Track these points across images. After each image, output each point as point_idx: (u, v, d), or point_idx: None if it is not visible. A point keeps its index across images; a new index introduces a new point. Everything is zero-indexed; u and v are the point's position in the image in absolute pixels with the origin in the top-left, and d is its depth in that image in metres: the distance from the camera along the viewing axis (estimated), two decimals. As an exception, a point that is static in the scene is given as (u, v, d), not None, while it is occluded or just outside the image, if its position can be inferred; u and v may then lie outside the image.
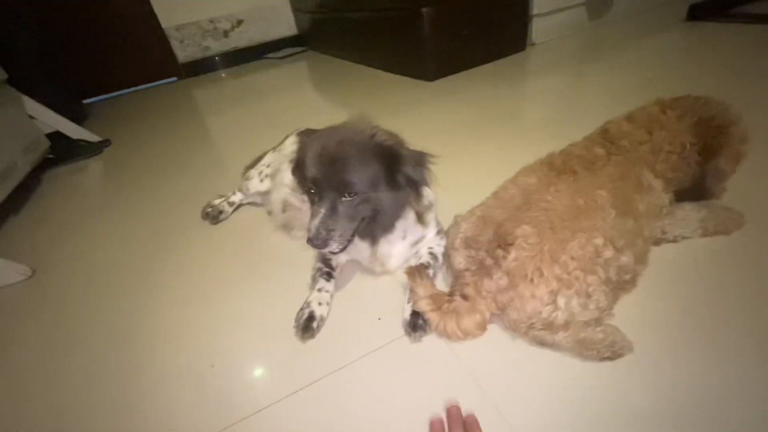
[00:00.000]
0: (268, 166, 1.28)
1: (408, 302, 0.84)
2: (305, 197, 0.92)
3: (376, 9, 2.47)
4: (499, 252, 0.74)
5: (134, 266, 1.21)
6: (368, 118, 0.82)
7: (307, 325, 0.84)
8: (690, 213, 0.88)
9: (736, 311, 0.74)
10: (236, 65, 3.79)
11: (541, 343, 0.72)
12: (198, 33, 3.61)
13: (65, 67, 2.74)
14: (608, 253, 0.70)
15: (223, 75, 3.62)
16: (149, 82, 3.66)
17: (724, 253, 0.86)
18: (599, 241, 0.70)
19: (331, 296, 0.92)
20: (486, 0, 2.23)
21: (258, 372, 0.83)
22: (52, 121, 2.18)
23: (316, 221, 0.76)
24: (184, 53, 3.63)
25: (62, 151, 2.20)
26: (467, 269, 0.80)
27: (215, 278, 1.09)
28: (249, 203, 1.38)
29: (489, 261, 0.76)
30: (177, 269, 1.16)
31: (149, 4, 3.32)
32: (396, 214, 0.86)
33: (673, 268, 0.84)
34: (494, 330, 0.79)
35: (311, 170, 0.77)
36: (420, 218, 0.92)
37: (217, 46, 3.73)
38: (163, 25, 3.44)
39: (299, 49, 3.87)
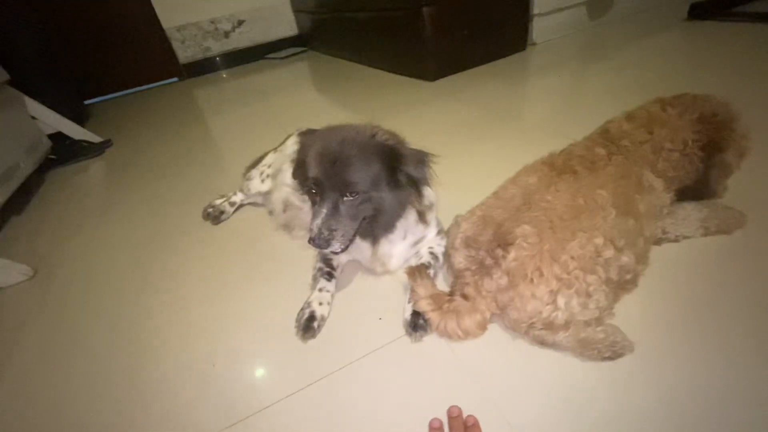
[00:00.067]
0: (269, 166, 1.28)
1: (408, 302, 0.84)
2: (306, 197, 0.92)
3: (376, 9, 2.47)
4: (499, 252, 0.74)
5: (135, 266, 1.22)
6: (371, 121, 0.82)
7: (308, 325, 0.85)
8: (691, 212, 0.88)
9: (738, 311, 0.74)
10: (237, 65, 3.80)
11: (542, 342, 0.72)
12: (199, 33, 3.62)
13: (66, 68, 2.75)
14: (609, 252, 0.70)
15: (224, 75, 3.63)
16: (150, 82, 3.67)
17: (726, 253, 0.86)
18: (599, 240, 0.70)
19: (332, 296, 0.92)
20: (486, 0, 2.23)
21: (259, 371, 0.83)
22: (53, 121, 2.19)
23: (318, 221, 0.76)
24: (185, 54, 3.64)
25: (64, 151, 2.21)
26: (467, 269, 0.80)
27: (216, 278, 1.09)
28: (250, 203, 1.39)
29: (489, 261, 0.76)
30: (178, 269, 1.16)
31: (150, 4, 3.33)
32: (397, 214, 0.86)
33: (674, 267, 0.84)
34: (495, 330, 0.79)
35: (313, 170, 0.77)
36: (421, 217, 0.92)
37: (218, 47, 3.74)
38: (164, 25, 3.45)
39: (300, 49, 3.88)
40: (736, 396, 0.62)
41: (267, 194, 1.26)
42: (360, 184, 0.76)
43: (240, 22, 3.71)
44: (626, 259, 0.72)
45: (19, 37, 2.29)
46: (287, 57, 3.71)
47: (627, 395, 0.64)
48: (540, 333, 0.71)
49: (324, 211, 0.77)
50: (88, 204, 1.73)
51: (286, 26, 3.90)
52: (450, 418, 0.65)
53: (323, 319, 0.87)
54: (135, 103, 3.29)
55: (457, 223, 0.90)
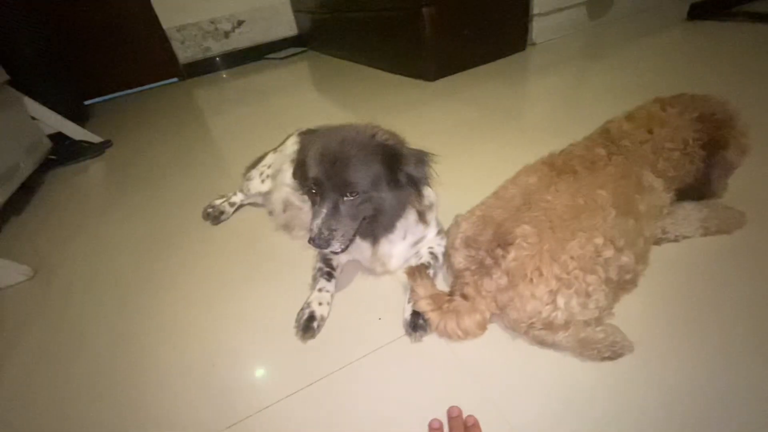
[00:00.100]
0: (269, 166, 1.28)
1: (408, 302, 0.84)
2: (306, 197, 0.92)
3: (376, 9, 2.47)
4: (499, 252, 0.74)
5: (135, 267, 1.22)
6: (371, 121, 0.82)
7: (308, 325, 0.85)
8: (691, 212, 0.88)
9: (738, 311, 0.74)
10: (237, 66, 3.80)
11: (542, 342, 0.72)
12: (199, 34, 3.62)
13: (67, 68, 2.75)
14: (608, 252, 0.70)
15: (224, 75, 3.63)
16: (150, 82, 3.67)
17: (726, 253, 0.86)
18: (599, 240, 0.70)
19: (332, 296, 0.92)
20: (486, 0, 2.23)
21: (259, 372, 0.83)
22: (53, 122, 2.19)
23: (319, 221, 0.76)
24: (185, 54, 3.64)
25: (64, 152, 2.21)
26: (467, 269, 0.80)
27: (216, 278, 1.09)
28: (250, 204, 1.39)
29: (489, 261, 0.76)
30: (178, 270, 1.16)
31: (150, 5, 3.33)
32: (397, 214, 0.86)
33: (674, 267, 0.84)
34: (494, 330, 0.79)
35: (313, 170, 0.77)
36: (421, 217, 0.93)
37: (217, 47, 3.74)
38: (164, 26, 3.45)
39: (300, 49, 3.88)
40: (735, 396, 0.62)
41: (267, 194, 1.26)
42: (360, 184, 0.76)
43: (240, 23, 3.71)
44: (626, 259, 0.72)
45: (19, 37, 2.29)
46: (287, 57, 3.71)
47: (627, 395, 0.64)
48: (540, 333, 0.71)
49: (324, 211, 0.77)
50: (88, 204, 1.73)
51: (286, 26, 3.90)
52: (450, 418, 0.65)
53: (323, 319, 0.87)
54: (135, 104, 3.29)
55: (456, 222, 0.90)
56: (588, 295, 0.68)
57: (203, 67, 3.73)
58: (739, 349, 0.68)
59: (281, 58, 3.70)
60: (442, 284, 0.92)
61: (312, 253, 1.04)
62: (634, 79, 1.84)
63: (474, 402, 0.67)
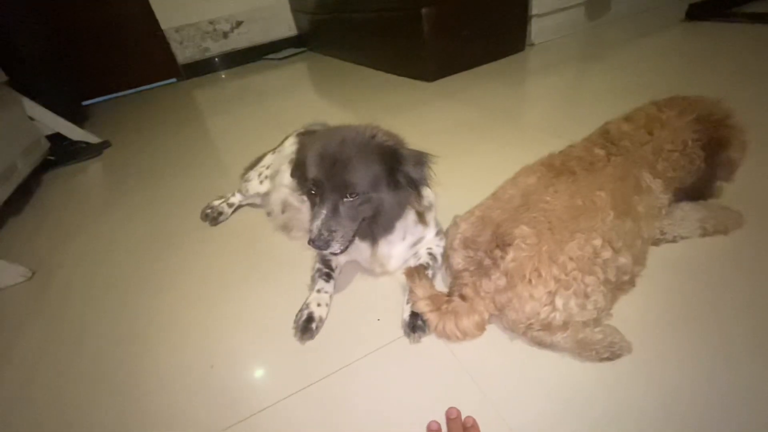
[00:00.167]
0: (267, 167, 1.28)
1: (407, 303, 0.84)
2: (305, 198, 0.92)
3: (375, 9, 2.47)
4: (498, 252, 0.74)
5: (134, 268, 1.22)
6: (371, 121, 0.82)
7: (306, 326, 0.85)
8: (689, 213, 0.88)
9: (736, 311, 0.74)
10: (236, 66, 3.80)
11: (540, 343, 0.72)
12: (197, 34, 3.61)
13: (65, 69, 2.75)
14: (607, 253, 0.70)
15: (223, 76, 3.63)
16: (149, 83, 3.67)
17: (723, 253, 0.86)
18: (598, 242, 0.70)
19: (331, 297, 0.92)
20: (486, 0, 2.24)
21: (257, 373, 0.83)
22: (52, 122, 2.19)
23: (318, 222, 0.76)
24: (183, 54, 3.63)
25: (62, 152, 2.21)
26: (466, 270, 0.80)
27: (215, 279, 1.09)
28: (248, 204, 1.39)
29: (487, 261, 0.76)
30: (176, 271, 1.16)
31: (149, 5, 3.32)
32: (396, 215, 0.86)
33: (672, 268, 0.84)
34: (493, 330, 0.79)
35: (312, 171, 0.77)
36: (420, 218, 0.92)
37: (216, 48, 3.74)
38: (163, 26, 3.45)
39: (299, 50, 3.88)
40: (735, 396, 0.62)
41: (265, 195, 1.26)
42: (360, 185, 0.76)
43: (239, 23, 3.71)
44: (624, 260, 0.72)
45: (18, 37, 2.28)
46: (286, 58, 3.71)
47: (625, 396, 0.64)
48: (538, 334, 0.71)
49: (324, 212, 0.76)
50: (86, 205, 1.73)
51: (285, 27, 3.90)
52: (449, 419, 0.65)
53: (321, 320, 0.87)
54: (133, 104, 3.29)
55: (455, 223, 0.90)
56: (586, 296, 0.68)
57: (202, 68, 3.72)
58: (737, 349, 0.68)
59: (280, 59, 3.70)
60: (440, 285, 0.92)
61: (310, 253, 1.04)
62: (633, 80, 1.84)
63: (473, 403, 0.67)
